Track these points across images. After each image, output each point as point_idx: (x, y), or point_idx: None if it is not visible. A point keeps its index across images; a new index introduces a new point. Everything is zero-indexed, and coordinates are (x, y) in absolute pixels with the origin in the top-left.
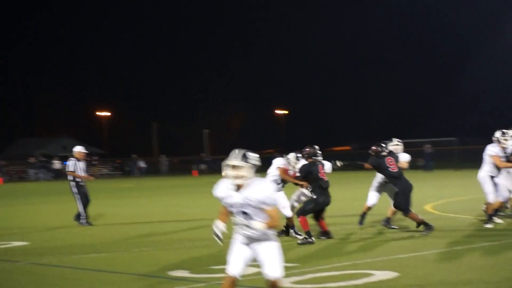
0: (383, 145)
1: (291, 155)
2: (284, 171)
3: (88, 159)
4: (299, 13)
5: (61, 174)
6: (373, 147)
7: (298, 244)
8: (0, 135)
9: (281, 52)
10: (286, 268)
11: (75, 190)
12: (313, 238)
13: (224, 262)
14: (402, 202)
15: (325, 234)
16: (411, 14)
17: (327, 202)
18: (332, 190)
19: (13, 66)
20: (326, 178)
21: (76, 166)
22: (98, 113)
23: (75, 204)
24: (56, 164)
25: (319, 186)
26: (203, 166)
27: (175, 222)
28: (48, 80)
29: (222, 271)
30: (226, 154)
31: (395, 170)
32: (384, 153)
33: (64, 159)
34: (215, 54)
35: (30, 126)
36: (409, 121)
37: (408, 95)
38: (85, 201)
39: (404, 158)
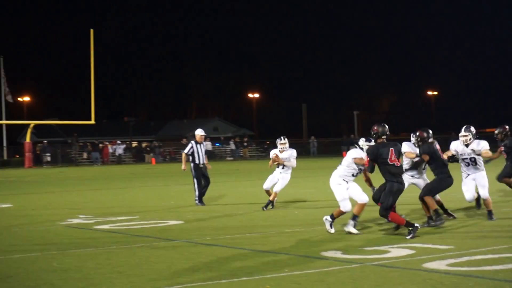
0: (430, 131)
1: (361, 141)
2: (361, 160)
3: (239, 140)
4: None
5: (212, 155)
6: (418, 132)
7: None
8: (155, 117)
9: (432, 32)
10: (441, 251)
11: (193, 172)
12: (416, 224)
13: (378, 244)
14: (434, 189)
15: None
16: None
17: (401, 190)
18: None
19: (169, 50)
20: (398, 163)
21: (193, 149)
22: (249, 95)
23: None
24: (208, 146)
25: (388, 172)
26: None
27: (326, 203)
28: (200, 63)
29: (376, 252)
30: None
31: (445, 159)
32: (430, 140)
33: (215, 140)
34: (364, 35)
35: (183, 108)
36: None
37: None
38: (203, 183)
39: (485, 146)
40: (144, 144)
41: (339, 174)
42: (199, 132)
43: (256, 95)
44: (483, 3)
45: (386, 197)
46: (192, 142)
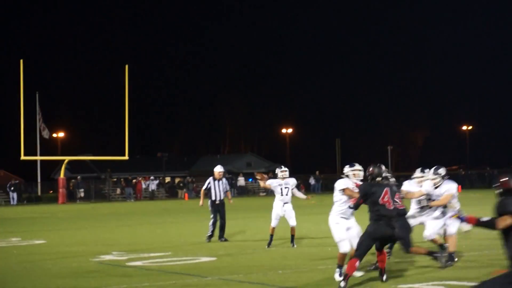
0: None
1: (346, 168)
2: (350, 191)
3: (272, 176)
4: (484, 23)
5: (245, 191)
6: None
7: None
8: (188, 152)
9: (466, 65)
10: None
11: (210, 208)
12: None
13: (411, 281)
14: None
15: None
16: None
17: (380, 233)
18: None
19: (201, 85)
20: (391, 206)
21: (211, 185)
22: (282, 130)
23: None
24: (241, 181)
25: (376, 212)
26: None
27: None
28: (233, 98)
29: None
30: (409, 170)
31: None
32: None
33: (248, 176)
34: (396, 69)
35: (216, 143)
36: None
37: None
38: (220, 220)
39: (448, 190)
40: (177, 180)
41: (336, 213)
42: (218, 169)
43: (290, 130)
44: None
45: (362, 235)
46: (210, 178)
